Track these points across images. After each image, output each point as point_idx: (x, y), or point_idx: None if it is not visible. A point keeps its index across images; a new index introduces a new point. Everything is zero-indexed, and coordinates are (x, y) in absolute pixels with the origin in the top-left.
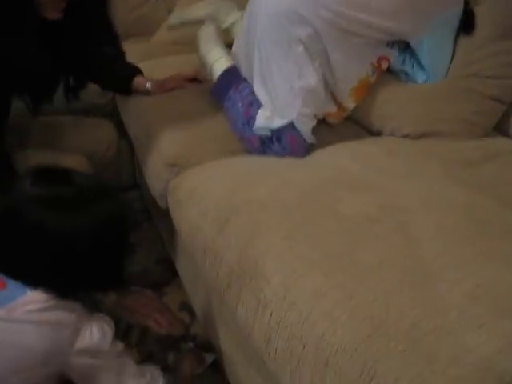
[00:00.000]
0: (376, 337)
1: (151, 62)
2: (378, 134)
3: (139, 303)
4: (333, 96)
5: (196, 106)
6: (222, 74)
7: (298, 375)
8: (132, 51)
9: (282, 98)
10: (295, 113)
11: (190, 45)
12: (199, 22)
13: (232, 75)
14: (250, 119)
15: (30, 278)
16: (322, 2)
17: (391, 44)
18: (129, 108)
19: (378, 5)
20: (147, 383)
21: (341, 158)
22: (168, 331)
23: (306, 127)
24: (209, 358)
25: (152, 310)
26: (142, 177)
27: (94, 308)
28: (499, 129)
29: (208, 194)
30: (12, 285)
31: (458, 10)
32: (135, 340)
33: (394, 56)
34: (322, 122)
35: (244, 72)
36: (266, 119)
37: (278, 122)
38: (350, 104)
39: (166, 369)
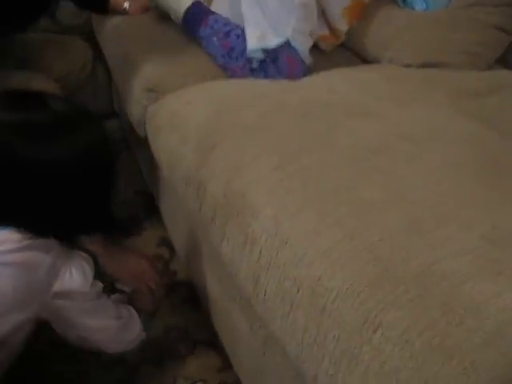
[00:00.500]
0: (381, 281)
1: None
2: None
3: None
4: (325, 19)
5: (178, 30)
6: (187, 13)
7: (291, 320)
8: None
9: (275, 15)
10: (290, 29)
11: None
12: None
13: (197, 10)
14: (230, 50)
15: (3, 215)
16: None
17: None
18: (106, 29)
19: None
20: (126, 323)
21: (337, 83)
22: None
23: (303, 46)
24: None
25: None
26: (119, 103)
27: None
28: (504, 62)
29: (190, 119)
30: None
31: None
32: None
33: None
34: (315, 49)
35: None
36: (258, 39)
37: (273, 41)
38: (343, 26)
39: None
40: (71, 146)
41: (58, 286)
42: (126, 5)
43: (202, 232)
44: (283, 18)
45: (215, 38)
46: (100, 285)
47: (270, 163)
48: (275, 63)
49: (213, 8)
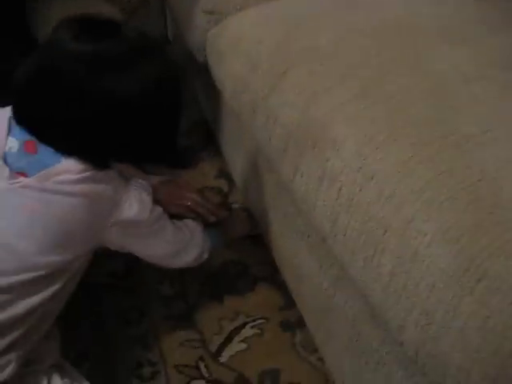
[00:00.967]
0: (486, 225)
1: None
2: None
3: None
4: None
5: None
6: None
7: (375, 264)
8: None
9: None
10: None
11: None
12: None
13: None
14: None
15: (67, 145)
16: None
17: None
18: None
19: None
20: (187, 240)
21: (415, 2)
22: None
23: None
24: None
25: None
26: (174, 30)
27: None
28: None
29: (257, 43)
30: (44, 150)
31: None
32: None
33: None
34: None
35: None
36: None
37: None
38: None
39: None
40: (143, 78)
41: (116, 216)
42: None
43: (268, 164)
44: None
45: None
46: (159, 209)
47: (349, 90)
48: None
49: None
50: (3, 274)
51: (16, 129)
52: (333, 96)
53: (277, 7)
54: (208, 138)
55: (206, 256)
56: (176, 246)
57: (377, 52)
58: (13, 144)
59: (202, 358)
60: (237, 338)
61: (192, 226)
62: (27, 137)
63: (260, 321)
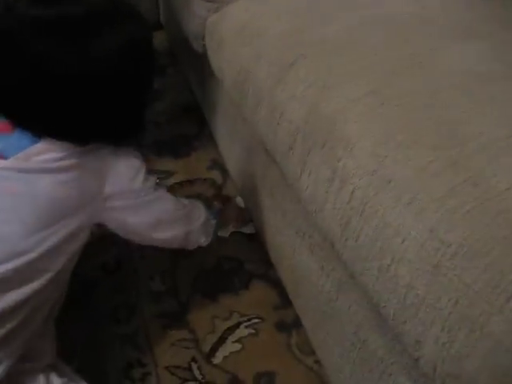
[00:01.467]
0: None
1: None
2: None
3: None
4: None
5: None
6: None
7: (391, 274)
8: None
9: None
10: None
11: None
12: None
13: None
14: None
15: (40, 126)
16: None
17: None
18: None
19: None
20: (187, 213)
21: None
22: None
23: None
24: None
25: None
26: (167, 14)
27: None
28: None
29: (263, 32)
30: (20, 133)
31: None
32: None
33: None
34: None
35: None
36: None
37: None
38: None
39: None
40: (106, 47)
41: (109, 188)
42: None
43: (268, 158)
44: None
45: None
46: (153, 179)
47: (363, 85)
48: None
49: None
50: None
51: None
52: (345, 91)
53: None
54: (201, 126)
55: (204, 237)
56: (182, 211)
57: (389, 46)
58: None
59: (194, 359)
60: (231, 338)
61: (192, 201)
62: (1, 118)
63: (255, 320)
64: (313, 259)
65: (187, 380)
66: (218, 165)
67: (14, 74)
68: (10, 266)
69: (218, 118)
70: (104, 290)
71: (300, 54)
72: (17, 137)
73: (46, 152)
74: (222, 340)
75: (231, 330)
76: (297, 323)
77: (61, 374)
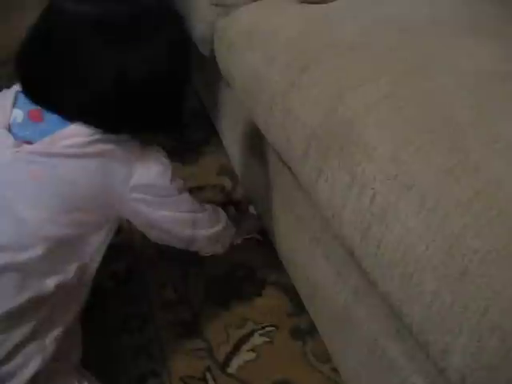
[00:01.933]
0: None
1: None
2: None
3: None
4: None
5: None
6: None
7: (415, 282)
8: None
9: None
10: None
11: None
12: None
13: None
14: None
15: (73, 111)
16: None
17: None
18: None
19: None
20: (209, 216)
21: None
22: None
23: None
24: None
25: None
26: None
27: None
28: None
29: (274, 35)
30: (49, 118)
31: None
32: None
33: None
34: None
35: None
36: None
37: None
38: None
39: None
40: (150, 48)
41: (136, 179)
42: None
43: (280, 163)
44: None
45: None
46: (181, 181)
47: (380, 87)
48: None
49: None
50: (18, 248)
51: (21, 100)
52: (362, 94)
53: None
54: (208, 132)
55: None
56: (203, 213)
57: (405, 46)
58: (17, 114)
59: (208, 369)
60: (245, 347)
61: (214, 206)
62: (32, 106)
63: (269, 328)
64: (328, 265)
65: None
66: (227, 170)
67: (54, 65)
68: (35, 251)
69: (226, 123)
70: (116, 299)
71: (313, 56)
72: (46, 124)
73: (72, 136)
74: (236, 349)
75: (245, 338)
76: (312, 330)
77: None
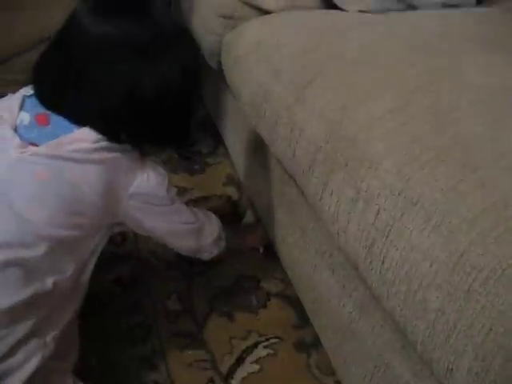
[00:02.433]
0: None
1: None
2: None
3: None
4: None
5: None
6: None
7: (419, 300)
8: None
9: None
10: None
11: None
12: None
13: None
14: None
15: (81, 117)
16: None
17: None
18: None
19: None
20: (201, 227)
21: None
22: None
23: None
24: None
25: None
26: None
27: None
28: None
29: (281, 49)
30: (56, 123)
31: None
32: None
33: None
34: None
35: None
36: None
37: None
38: None
39: None
40: (167, 66)
41: (135, 187)
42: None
43: (285, 176)
44: None
45: None
46: (174, 189)
47: (386, 102)
48: None
49: None
50: (21, 245)
51: (28, 104)
52: (368, 109)
53: (300, 15)
54: (215, 142)
55: (217, 250)
56: (196, 224)
57: (412, 61)
58: (24, 117)
59: (212, 381)
60: (249, 359)
61: (208, 213)
62: (40, 110)
63: (273, 340)
64: (333, 279)
65: None
66: (234, 180)
67: (74, 76)
68: (37, 250)
69: (232, 134)
70: (120, 309)
71: (318, 70)
72: (52, 128)
73: (78, 141)
74: (240, 361)
75: (249, 350)
76: (316, 342)
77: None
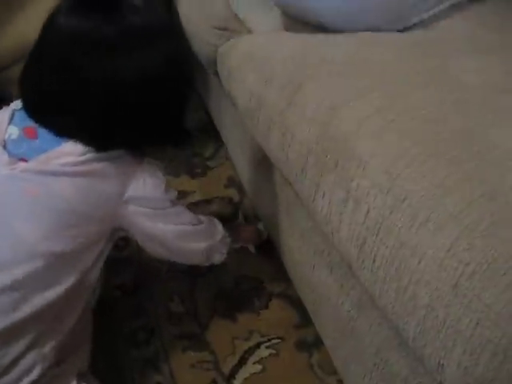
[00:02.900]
0: None
1: None
2: None
3: None
4: None
5: None
6: None
7: (409, 296)
8: None
9: None
10: None
11: None
12: None
13: None
14: None
15: (67, 128)
16: None
17: None
18: None
19: None
20: (205, 228)
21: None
22: None
23: None
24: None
25: None
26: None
27: None
28: None
29: (271, 58)
30: (44, 136)
31: None
32: None
33: None
34: None
35: None
36: None
37: None
38: None
39: None
40: (143, 62)
41: (131, 192)
42: None
43: (283, 178)
44: None
45: None
46: (174, 193)
47: (373, 102)
48: None
49: None
50: (14, 265)
51: (17, 117)
52: (354, 109)
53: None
54: (216, 146)
55: (226, 249)
56: (198, 226)
57: (398, 63)
58: (12, 131)
59: (215, 381)
60: (251, 359)
61: (210, 217)
62: (28, 123)
63: (275, 340)
64: (332, 278)
65: None
66: (235, 183)
67: (48, 80)
68: (32, 266)
69: (233, 138)
70: (123, 312)
71: (307, 75)
72: (40, 141)
73: (65, 155)
74: (242, 361)
75: (251, 350)
76: (318, 342)
77: None
